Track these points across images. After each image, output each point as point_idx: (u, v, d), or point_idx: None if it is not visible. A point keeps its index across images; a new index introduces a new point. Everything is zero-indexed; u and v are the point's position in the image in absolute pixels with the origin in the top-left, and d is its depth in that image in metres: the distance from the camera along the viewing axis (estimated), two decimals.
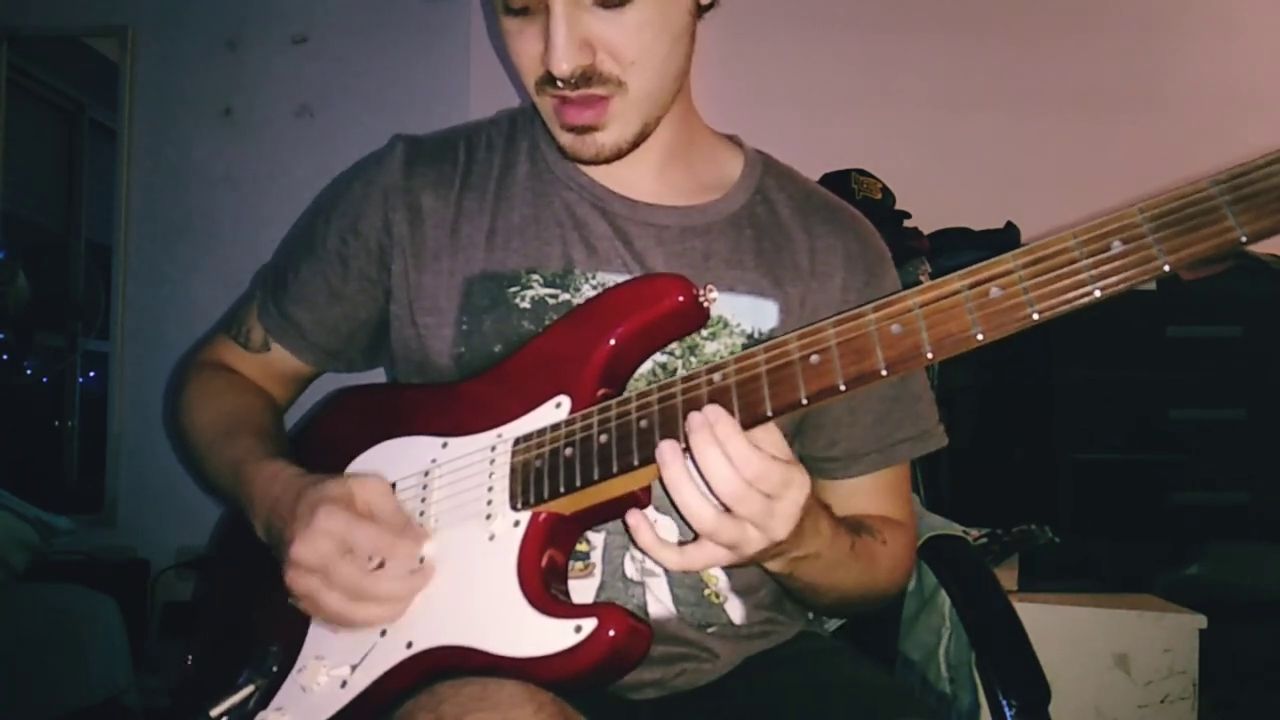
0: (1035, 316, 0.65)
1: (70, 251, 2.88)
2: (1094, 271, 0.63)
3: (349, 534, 0.83)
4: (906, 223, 2.25)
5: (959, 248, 2.20)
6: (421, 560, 0.86)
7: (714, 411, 0.74)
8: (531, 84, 0.95)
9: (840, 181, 2.15)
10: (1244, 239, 0.60)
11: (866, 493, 1.06)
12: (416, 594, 0.84)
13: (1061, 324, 0.66)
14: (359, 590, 0.83)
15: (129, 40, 2.57)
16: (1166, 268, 0.61)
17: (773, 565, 0.85)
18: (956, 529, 1.27)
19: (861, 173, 2.21)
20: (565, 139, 0.97)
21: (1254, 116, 2.45)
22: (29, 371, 2.85)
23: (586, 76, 0.90)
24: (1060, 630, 1.73)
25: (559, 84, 0.91)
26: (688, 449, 0.75)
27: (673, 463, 0.75)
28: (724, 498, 0.74)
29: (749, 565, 0.84)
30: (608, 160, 0.97)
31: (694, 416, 0.75)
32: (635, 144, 0.97)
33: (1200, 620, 1.73)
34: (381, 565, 0.84)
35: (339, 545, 0.83)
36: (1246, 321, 2.11)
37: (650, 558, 0.79)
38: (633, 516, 0.79)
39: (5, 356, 2.77)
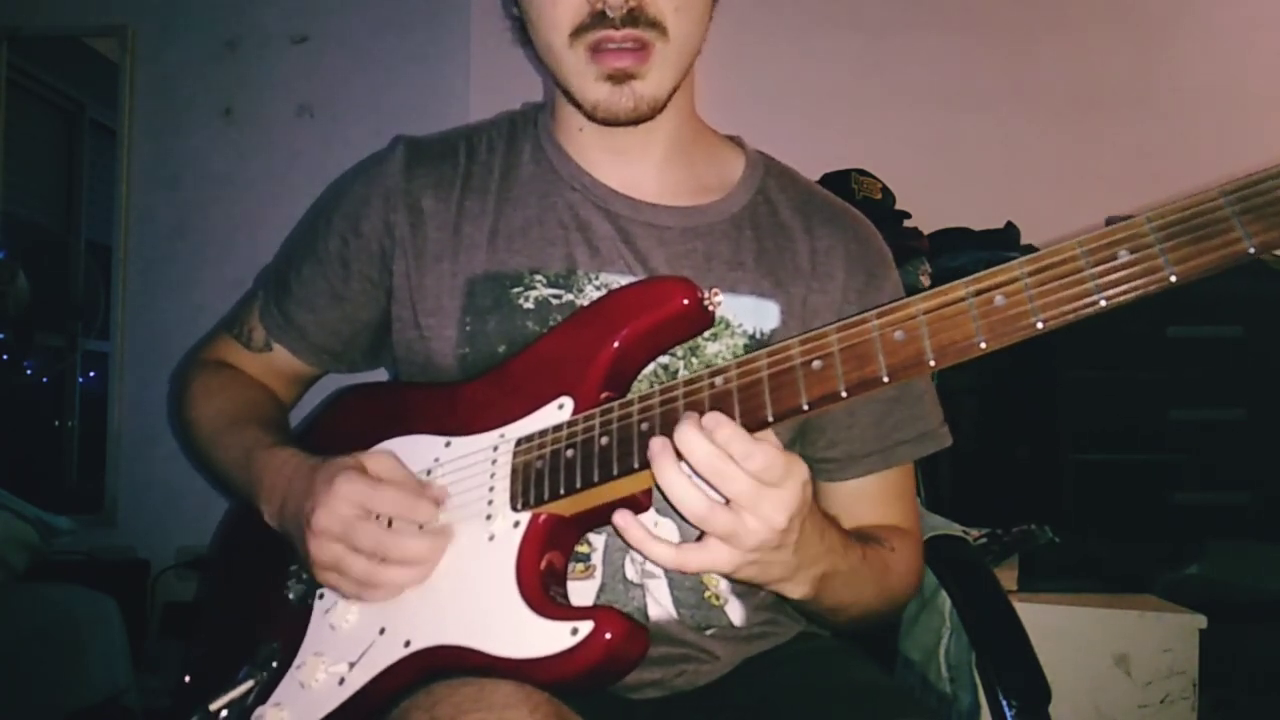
0: (1040, 326, 0.64)
1: (70, 251, 2.87)
2: (1100, 281, 0.62)
3: (368, 497, 0.84)
4: (906, 223, 2.24)
5: (959, 248, 2.19)
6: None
7: (710, 414, 0.73)
8: (565, 36, 0.94)
9: (840, 181, 2.15)
10: (1252, 250, 0.59)
11: (869, 497, 1.06)
12: (439, 556, 0.85)
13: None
14: (383, 550, 0.84)
15: (129, 40, 2.57)
16: (1173, 278, 0.60)
17: (796, 589, 0.82)
18: (957, 529, 1.26)
19: (861, 173, 2.21)
20: (600, 92, 0.95)
21: (1254, 117, 2.45)
22: (29, 371, 2.85)
23: (634, 16, 0.92)
24: (1060, 630, 1.73)
25: (606, 17, 0.91)
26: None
27: (663, 455, 0.73)
28: (705, 473, 0.71)
29: (767, 588, 0.82)
30: (643, 117, 0.97)
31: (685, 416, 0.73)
32: (665, 103, 0.98)
33: (1200, 620, 1.73)
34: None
35: (359, 509, 0.84)
36: (1246, 321, 2.11)
37: (643, 555, 0.76)
38: (619, 516, 0.76)
39: (5, 356, 2.77)
